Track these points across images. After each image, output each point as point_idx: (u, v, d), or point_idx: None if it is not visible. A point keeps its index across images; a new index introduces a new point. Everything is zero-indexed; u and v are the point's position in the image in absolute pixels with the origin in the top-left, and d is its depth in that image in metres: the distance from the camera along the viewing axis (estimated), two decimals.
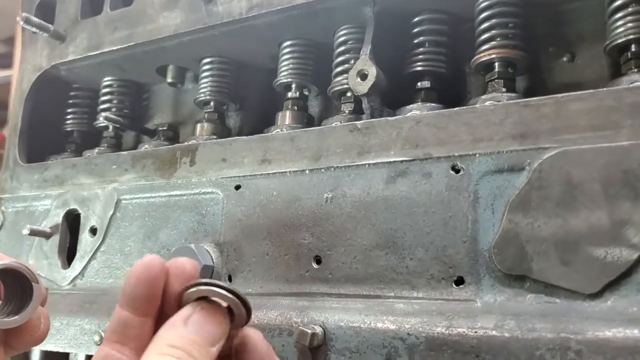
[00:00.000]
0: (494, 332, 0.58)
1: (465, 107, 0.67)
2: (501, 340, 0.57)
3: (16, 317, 0.48)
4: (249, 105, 1.02)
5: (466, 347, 0.58)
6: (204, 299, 0.53)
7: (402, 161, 0.69)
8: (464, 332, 0.59)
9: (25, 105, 1.09)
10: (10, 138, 1.09)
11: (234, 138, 0.84)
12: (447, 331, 0.60)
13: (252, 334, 0.54)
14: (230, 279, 0.79)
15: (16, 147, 1.07)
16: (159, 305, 0.52)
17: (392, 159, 0.70)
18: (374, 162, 0.71)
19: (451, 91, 0.80)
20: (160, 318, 0.53)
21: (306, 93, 0.90)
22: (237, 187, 0.81)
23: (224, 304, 0.54)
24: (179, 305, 0.53)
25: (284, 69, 0.89)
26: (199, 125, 0.96)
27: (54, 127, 1.13)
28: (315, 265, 0.73)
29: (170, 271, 0.53)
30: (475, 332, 0.58)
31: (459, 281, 0.64)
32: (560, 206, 0.59)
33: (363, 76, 0.75)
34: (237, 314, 0.54)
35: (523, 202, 0.61)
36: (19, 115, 1.08)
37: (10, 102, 1.12)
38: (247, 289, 0.76)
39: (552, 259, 0.59)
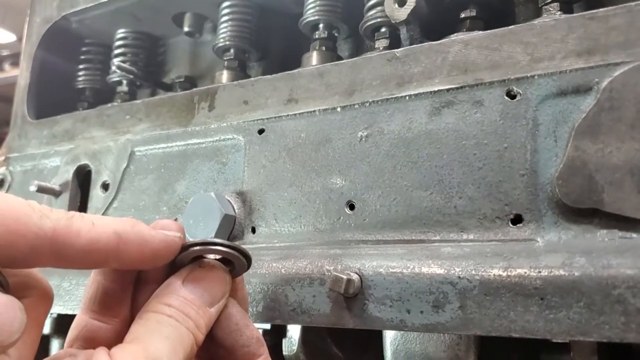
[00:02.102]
0: (561, 271, 0.50)
1: (521, 24, 0.59)
2: (570, 279, 0.49)
3: None
4: (271, 56, 0.94)
5: (529, 290, 0.50)
6: (199, 258, 0.49)
7: (448, 89, 0.61)
8: (525, 272, 0.51)
9: (34, 61, 1.02)
10: (19, 96, 1.03)
11: (256, 78, 0.76)
12: (506, 273, 0.52)
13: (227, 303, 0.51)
14: (253, 231, 0.71)
15: (24, 103, 1.01)
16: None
17: (436, 88, 0.62)
18: (416, 92, 0.63)
19: (499, 23, 0.72)
20: (142, 282, 0.50)
21: (335, 34, 0.82)
22: (261, 131, 0.73)
23: (223, 265, 0.51)
24: (174, 268, 0.49)
25: (310, 6, 0.81)
26: (217, 74, 0.89)
27: (65, 85, 1.07)
28: (348, 211, 0.65)
29: None
30: (539, 272, 0.51)
31: (517, 219, 0.56)
32: (636, 128, 0.51)
33: (401, 2, 0.67)
34: (237, 265, 0.51)
35: (591, 126, 0.53)
36: (27, 71, 1.02)
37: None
38: (272, 240, 0.69)
39: (627, 189, 0.51)
